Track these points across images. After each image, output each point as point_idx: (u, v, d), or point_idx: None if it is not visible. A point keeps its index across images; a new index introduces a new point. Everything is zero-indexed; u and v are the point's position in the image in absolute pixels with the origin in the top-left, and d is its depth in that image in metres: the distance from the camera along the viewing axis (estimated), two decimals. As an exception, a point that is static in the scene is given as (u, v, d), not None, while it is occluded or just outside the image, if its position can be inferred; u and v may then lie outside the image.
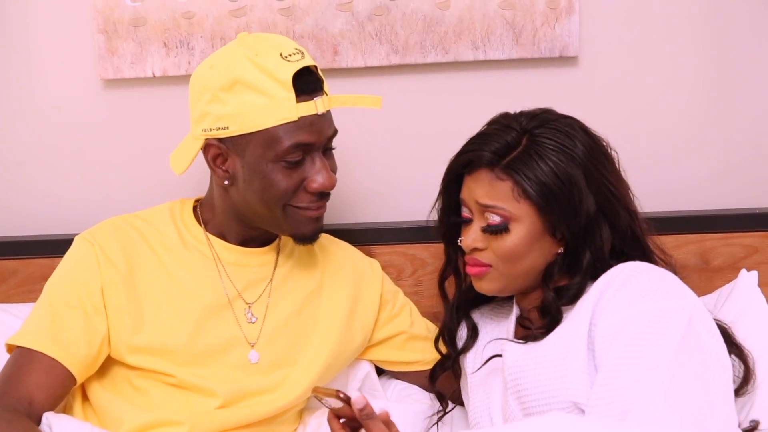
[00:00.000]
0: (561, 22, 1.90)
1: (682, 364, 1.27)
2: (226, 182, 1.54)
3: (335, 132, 1.56)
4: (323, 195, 1.55)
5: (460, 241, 1.51)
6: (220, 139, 1.51)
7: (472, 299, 1.63)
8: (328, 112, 1.54)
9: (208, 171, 1.62)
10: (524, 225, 1.44)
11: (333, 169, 1.56)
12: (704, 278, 1.86)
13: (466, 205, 1.50)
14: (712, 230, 1.89)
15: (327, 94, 1.53)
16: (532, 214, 1.43)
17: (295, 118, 1.47)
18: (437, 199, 1.58)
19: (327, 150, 1.56)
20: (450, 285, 1.65)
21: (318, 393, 1.29)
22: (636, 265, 1.41)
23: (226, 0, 1.93)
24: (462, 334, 1.63)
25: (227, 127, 1.49)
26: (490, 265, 1.47)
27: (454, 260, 1.60)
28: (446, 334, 1.64)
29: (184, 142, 1.59)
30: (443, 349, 1.66)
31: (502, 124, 1.49)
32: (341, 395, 1.24)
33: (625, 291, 1.36)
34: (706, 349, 1.32)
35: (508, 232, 1.44)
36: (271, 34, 1.58)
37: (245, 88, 1.47)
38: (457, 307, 1.63)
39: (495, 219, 1.44)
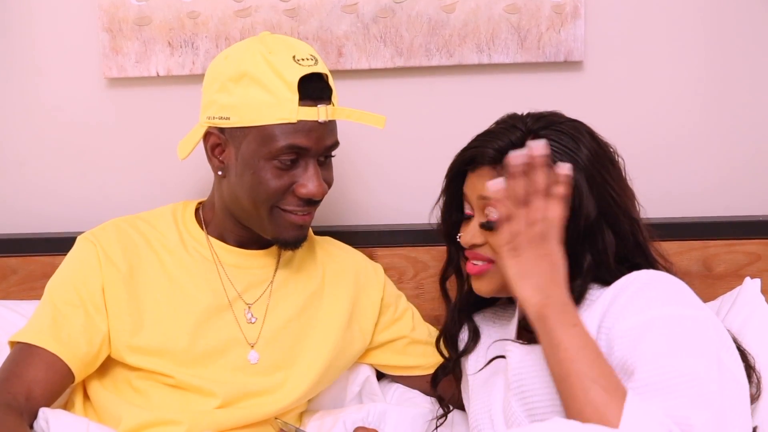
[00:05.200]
0: (566, 27, 1.90)
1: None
2: (219, 172, 1.56)
3: (335, 143, 1.57)
4: (311, 202, 1.55)
5: (459, 237, 1.51)
6: (220, 129, 1.53)
7: (474, 302, 1.62)
8: (332, 122, 1.55)
9: (212, 172, 1.62)
10: None
11: (327, 180, 1.56)
12: (707, 285, 1.85)
13: (468, 201, 1.50)
14: (715, 237, 1.88)
15: (334, 105, 1.54)
16: None
17: (294, 120, 1.48)
18: (440, 197, 1.57)
19: (325, 159, 1.57)
20: (452, 287, 1.64)
21: (279, 423, 1.29)
22: (652, 273, 1.40)
23: (231, 0, 1.93)
24: (463, 336, 1.63)
25: (229, 118, 1.51)
26: (492, 261, 1.46)
27: (456, 259, 1.59)
28: (447, 337, 1.64)
29: (192, 130, 1.61)
30: (445, 351, 1.66)
31: (508, 123, 1.49)
32: None
33: (645, 295, 1.34)
34: (724, 367, 1.29)
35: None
36: (292, 38, 1.60)
37: (252, 82, 1.49)
38: (459, 309, 1.62)
39: (494, 215, 1.43)
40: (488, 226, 1.43)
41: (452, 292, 1.65)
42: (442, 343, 1.66)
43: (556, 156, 1.41)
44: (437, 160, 1.93)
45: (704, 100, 1.96)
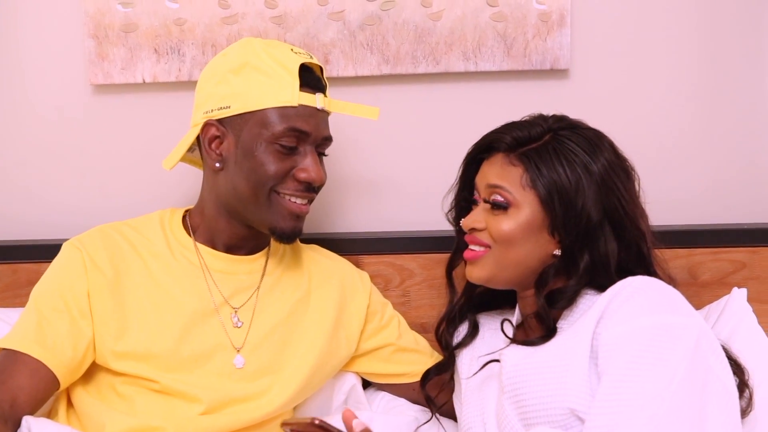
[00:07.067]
0: (552, 35, 1.91)
1: (686, 391, 1.26)
2: (217, 165, 1.57)
3: (330, 138, 1.60)
4: (309, 188, 1.57)
5: (462, 222, 1.54)
6: (219, 121, 1.55)
7: (477, 303, 1.64)
8: (327, 116, 1.59)
9: (199, 179, 1.62)
10: (524, 213, 1.45)
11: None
12: (692, 293, 1.85)
13: (478, 189, 1.53)
14: (701, 245, 1.89)
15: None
16: (535, 205, 1.45)
17: (296, 104, 1.52)
18: (454, 183, 1.60)
19: (320, 154, 1.60)
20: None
21: (288, 426, 1.21)
22: (645, 279, 1.40)
23: (217, 7, 1.93)
24: (462, 330, 1.63)
25: (229, 106, 1.54)
26: (488, 246, 1.48)
27: (464, 248, 1.59)
28: (448, 327, 1.64)
29: (182, 140, 1.62)
30: (443, 338, 1.65)
31: (531, 119, 1.53)
32: (317, 422, 1.16)
33: (633, 302, 1.35)
34: (711, 373, 1.31)
35: (507, 214, 1.46)
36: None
37: (253, 70, 1.53)
38: (462, 303, 1.63)
39: (499, 198, 1.47)
40: (497, 205, 1.46)
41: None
42: (441, 332, 1.65)
43: (570, 155, 1.44)
44: (424, 168, 1.93)
45: (691, 108, 1.97)
